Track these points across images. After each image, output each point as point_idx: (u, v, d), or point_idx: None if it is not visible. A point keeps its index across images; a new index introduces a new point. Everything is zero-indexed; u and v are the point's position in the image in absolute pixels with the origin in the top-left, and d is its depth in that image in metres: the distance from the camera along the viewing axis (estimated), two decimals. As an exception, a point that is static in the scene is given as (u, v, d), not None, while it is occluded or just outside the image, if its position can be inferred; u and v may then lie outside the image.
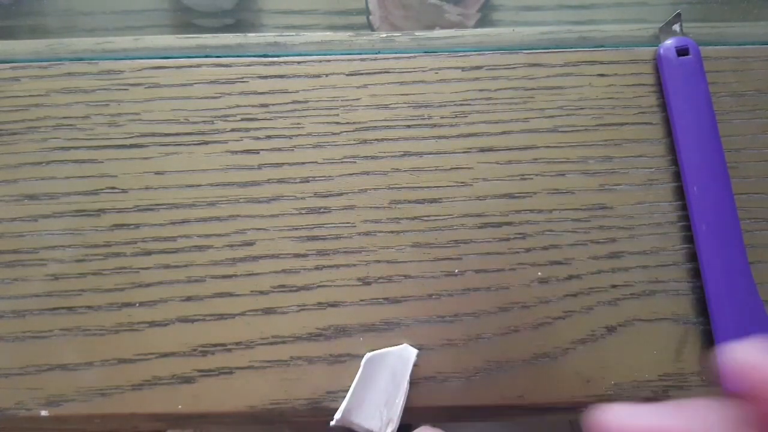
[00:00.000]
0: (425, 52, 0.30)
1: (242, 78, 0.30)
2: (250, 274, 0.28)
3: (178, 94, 0.29)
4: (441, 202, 0.28)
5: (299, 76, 0.30)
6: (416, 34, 0.31)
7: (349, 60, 0.30)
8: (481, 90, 0.30)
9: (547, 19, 0.33)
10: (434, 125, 0.29)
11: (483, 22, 0.33)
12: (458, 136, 0.29)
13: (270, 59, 0.30)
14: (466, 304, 0.27)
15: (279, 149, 0.29)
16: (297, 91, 0.30)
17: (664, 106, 0.29)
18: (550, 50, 0.30)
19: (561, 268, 0.28)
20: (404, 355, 0.26)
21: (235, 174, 0.29)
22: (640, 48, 0.30)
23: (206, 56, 0.30)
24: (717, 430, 0.15)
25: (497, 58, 0.30)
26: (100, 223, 0.28)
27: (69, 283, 0.27)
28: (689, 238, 0.28)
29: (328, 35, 0.31)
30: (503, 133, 0.29)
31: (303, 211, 0.28)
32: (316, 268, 0.28)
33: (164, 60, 0.30)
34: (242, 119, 0.29)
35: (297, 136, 0.29)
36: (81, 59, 0.30)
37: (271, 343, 0.27)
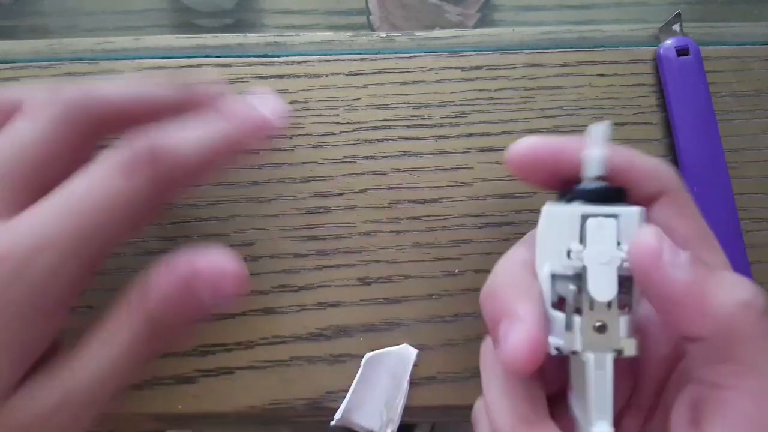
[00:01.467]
0: (425, 52, 0.30)
1: (242, 78, 0.30)
2: (250, 274, 0.28)
3: (178, 94, 0.29)
4: (441, 202, 0.28)
5: (299, 76, 0.30)
6: (416, 34, 0.31)
7: (349, 60, 0.30)
8: (481, 90, 0.30)
9: (547, 19, 0.33)
10: (434, 125, 0.29)
11: (483, 22, 0.33)
12: (458, 136, 0.29)
13: (270, 59, 0.30)
14: (466, 304, 0.27)
15: (279, 149, 0.29)
16: (297, 91, 0.30)
17: (664, 106, 0.29)
18: (550, 50, 0.30)
19: (561, 268, 0.28)
20: (404, 355, 0.26)
21: (235, 174, 0.29)
22: (640, 48, 0.30)
23: (206, 56, 0.30)
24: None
25: (497, 58, 0.30)
26: (100, 223, 0.28)
27: (69, 283, 0.27)
28: (689, 238, 0.28)
29: (328, 35, 0.31)
30: (503, 133, 0.29)
31: (303, 211, 0.28)
32: (316, 268, 0.28)
33: (164, 60, 0.30)
34: (242, 119, 0.29)
35: (297, 136, 0.29)
36: (81, 59, 0.30)
37: (271, 343, 0.27)
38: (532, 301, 0.18)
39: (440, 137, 0.29)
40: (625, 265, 0.18)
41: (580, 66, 0.30)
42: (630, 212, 0.19)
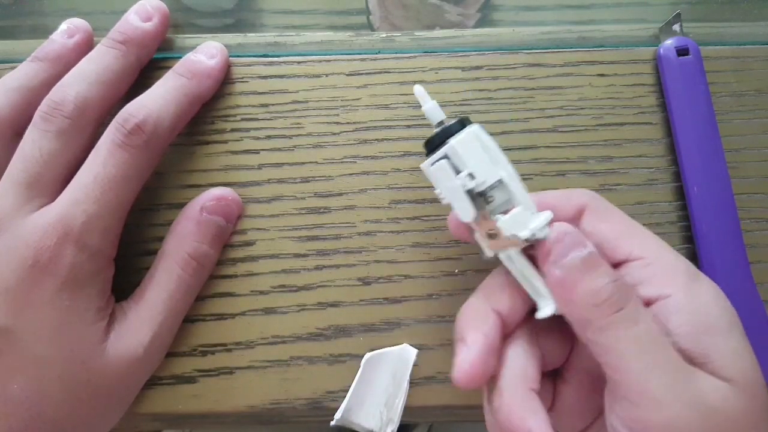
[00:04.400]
0: (425, 52, 0.30)
1: (242, 78, 0.30)
2: (250, 274, 0.28)
3: (178, 94, 0.29)
4: (441, 202, 0.28)
5: (299, 76, 0.30)
6: (416, 34, 0.31)
7: (349, 60, 0.30)
8: (481, 90, 0.30)
9: (547, 19, 0.33)
10: (434, 125, 0.29)
11: (483, 22, 0.33)
12: (458, 136, 0.29)
13: (270, 59, 0.30)
14: (466, 304, 0.27)
15: (279, 149, 0.29)
16: (297, 91, 0.30)
17: (664, 106, 0.29)
18: (550, 50, 0.30)
19: (561, 268, 0.28)
20: (404, 355, 0.26)
21: (235, 174, 0.29)
22: (640, 48, 0.30)
23: (206, 56, 0.30)
24: None
25: (497, 58, 0.30)
26: (100, 223, 0.28)
27: (69, 283, 0.27)
28: (689, 238, 0.28)
29: (328, 35, 0.31)
30: (503, 133, 0.29)
31: (303, 211, 0.28)
32: (316, 268, 0.28)
33: (164, 60, 0.30)
34: (242, 119, 0.29)
35: (297, 136, 0.29)
36: (81, 59, 0.30)
37: (271, 343, 0.27)
38: (478, 329, 0.22)
39: (440, 137, 0.29)
40: (470, 184, 0.22)
41: (580, 66, 0.30)
42: (460, 138, 0.22)
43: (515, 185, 0.22)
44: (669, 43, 0.29)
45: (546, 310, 0.22)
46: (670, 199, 0.29)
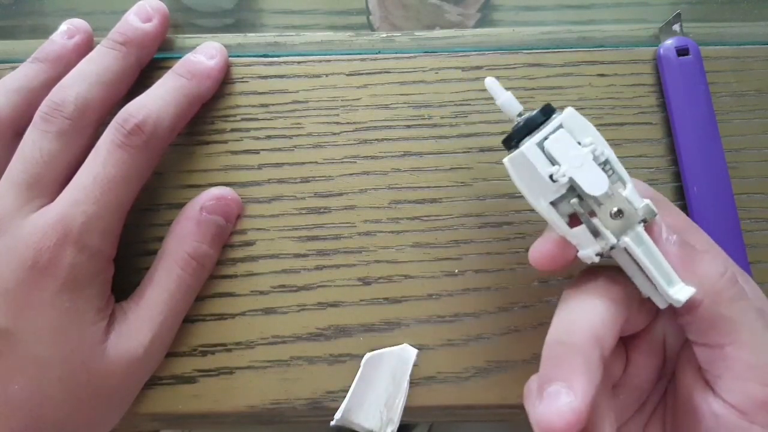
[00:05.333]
0: (425, 52, 0.30)
1: (242, 78, 0.30)
2: (250, 274, 0.28)
3: (178, 94, 0.29)
4: (441, 202, 0.28)
5: (299, 76, 0.30)
6: (416, 34, 0.31)
7: (349, 60, 0.30)
8: (481, 90, 0.30)
9: (547, 19, 0.33)
10: (434, 125, 0.29)
11: (483, 22, 0.33)
12: (458, 136, 0.29)
13: (270, 59, 0.30)
14: (466, 304, 0.27)
15: (279, 149, 0.29)
16: (297, 91, 0.30)
17: (664, 106, 0.29)
18: (550, 50, 0.30)
19: (561, 268, 0.28)
20: (404, 355, 0.26)
21: (235, 174, 0.29)
22: (640, 48, 0.30)
23: (206, 56, 0.30)
24: None
25: (497, 58, 0.30)
26: (100, 223, 0.28)
27: (69, 283, 0.27)
28: (689, 238, 0.28)
29: (328, 35, 0.31)
30: (503, 133, 0.29)
31: (303, 211, 0.28)
32: (316, 268, 0.28)
33: (164, 60, 0.30)
34: (242, 119, 0.29)
35: (297, 136, 0.29)
36: (81, 59, 0.30)
37: (271, 343, 0.27)
38: (589, 378, 0.19)
39: (440, 137, 0.29)
40: (596, 153, 0.21)
41: (580, 66, 0.30)
42: (566, 115, 0.21)
43: (619, 163, 0.21)
44: (669, 43, 0.29)
45: (685, 291, 0.20)
46: (670, 199, 0.28)
